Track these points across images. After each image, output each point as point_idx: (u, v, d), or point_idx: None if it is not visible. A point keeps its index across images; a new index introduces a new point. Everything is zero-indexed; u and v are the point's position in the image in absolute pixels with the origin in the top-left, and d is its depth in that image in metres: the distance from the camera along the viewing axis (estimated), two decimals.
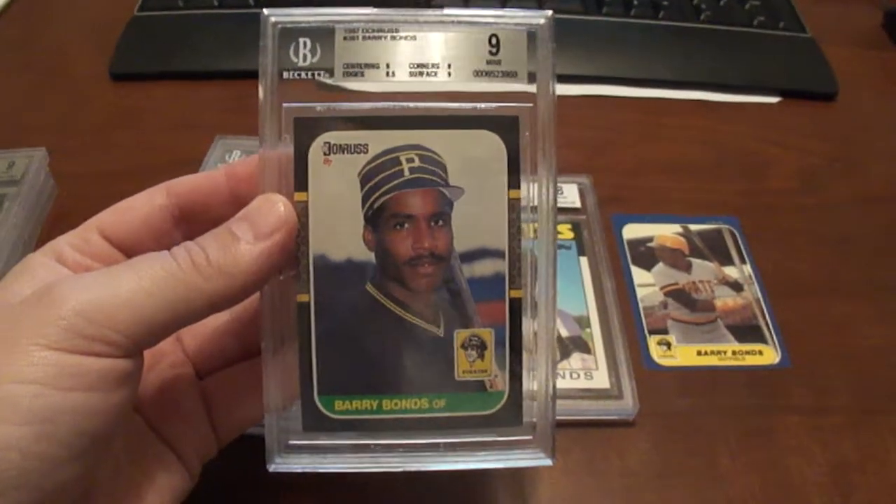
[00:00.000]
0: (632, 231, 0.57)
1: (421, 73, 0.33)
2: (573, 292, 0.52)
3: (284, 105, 0.33)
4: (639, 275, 0.54)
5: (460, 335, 0.34)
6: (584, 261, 0.53)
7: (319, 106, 0.33)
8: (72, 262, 0.32)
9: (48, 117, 0.65)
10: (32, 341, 0.26)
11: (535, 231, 0.34)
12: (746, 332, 0.51)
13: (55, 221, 0.55)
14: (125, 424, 0.32)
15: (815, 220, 0.59)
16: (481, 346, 0.34)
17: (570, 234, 0.55)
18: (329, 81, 0.33)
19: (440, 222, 0.33)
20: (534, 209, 0.34)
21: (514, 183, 0.33)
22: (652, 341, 0.50)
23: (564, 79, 0.68)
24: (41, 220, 0.55)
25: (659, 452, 0.45)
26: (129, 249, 0.33)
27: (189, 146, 0.59)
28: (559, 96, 0.67)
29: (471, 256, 0.33)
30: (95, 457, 0.28)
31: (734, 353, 0.50)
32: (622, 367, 0.47)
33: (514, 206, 0.33)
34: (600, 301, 0.51)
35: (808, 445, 0.45)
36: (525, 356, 0.34)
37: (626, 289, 0.53)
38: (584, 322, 0.50)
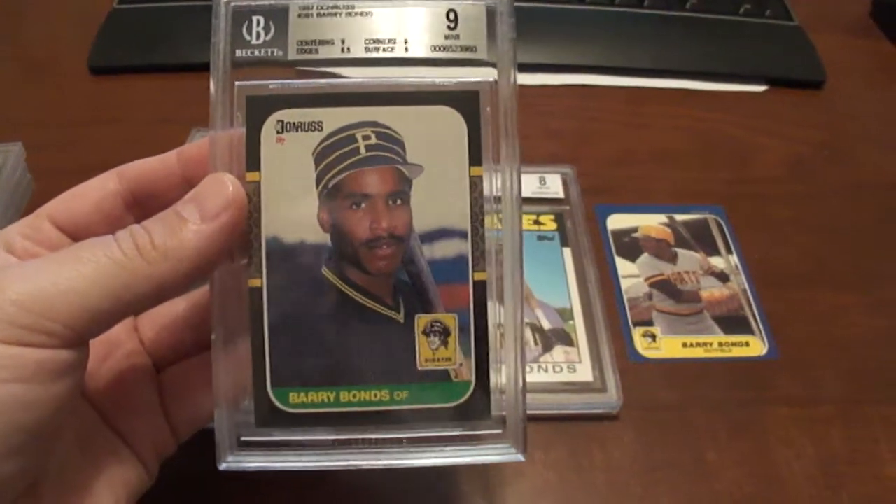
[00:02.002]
0: (616, 221, 0.56)
1: (377, 49, 0.32)
2: (556, 284, 0.51)
3: (237, 83, 0.32)
4: (623, 266, 0.53)
5: (422, 321, 0.32)
6: (567, 252, 0.53)
7: (273, 84, 0.32)
8: (21, 251, 0.31)
9: (26, 111, 0.64)
10: None
11: (500, 220, 0.32)
12: (733, 323, 0.50)
13: None
14: (75, 416, 0.31)
15: (802, 209, 0.58)
16: (444, 333, 0.32)
17: (553, 225, 0.54)
18: (285, 59, 0.32)
19: (398, 201, 0.32)
20: (497, 199, 0.32)
21: (475, 160, 0.32)
22: (636, 333, 0.49)
23: (548, 68, 0.67)
24: (18, 216, 0.54)
25: (643, 446, 0.44)
26: (80, 236, 0.32)
27: (168, 140, 0.57)
28: (544, 86, 0.67)
29: (431, 237, 0.32)
30: (38, 451, 0.27)
31: (720, 344, 0.49)
32: (606, 360, 0.46)
33: (475, 184, 0.32)
34: (584, 293, 0.50)
35: (796, 438, 0.45)
36: (492, 345, 0.33)
37: (610, 280, 0.52)
38: (566, 314, 0.49)
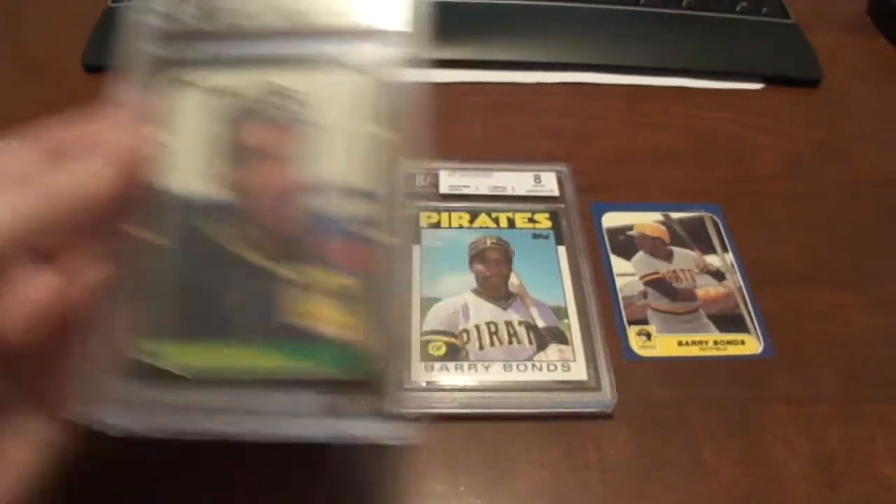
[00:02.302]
0: (611, 219, 0.56)
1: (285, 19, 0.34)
2: (551, 282, 0.50)
3: (146, 49, 0.33)
4: (618, 264, 0.53)
5: (313, 280, 0.31)
6: (561, 250, 0.52)
7: (179, 47, 0.33)
8: None
9: (19, 109, 0.63)
10: None
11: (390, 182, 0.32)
12: (728, 321, 0.50)
13: None
14: None
15: (798, 207, 0.58)
16: (337, 295, 0.31)
17: (548, 223, 0.54)
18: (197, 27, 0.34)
19: (299, 158, 0.32)
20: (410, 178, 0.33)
21: (378, 120, 0.32)
22: (631, 331, 0.49)
23: (543, 66, 0.67)
24: None
25: (639, 445, 0.44)
26: None
27: None
28: (539, 83, 0.66)
29: (330, 195, 0.32)
30: None
31: (716, 342, 0.49)
32: (601, 359, 0.46)
33: (380, 145, 0.32)
34: (578, 291, 0.50)
35: (793, 436, 0.44)
36: (389, 313, 0.31)
37: (605, 278, 0.52)
38: (561, 313, 0.49)
